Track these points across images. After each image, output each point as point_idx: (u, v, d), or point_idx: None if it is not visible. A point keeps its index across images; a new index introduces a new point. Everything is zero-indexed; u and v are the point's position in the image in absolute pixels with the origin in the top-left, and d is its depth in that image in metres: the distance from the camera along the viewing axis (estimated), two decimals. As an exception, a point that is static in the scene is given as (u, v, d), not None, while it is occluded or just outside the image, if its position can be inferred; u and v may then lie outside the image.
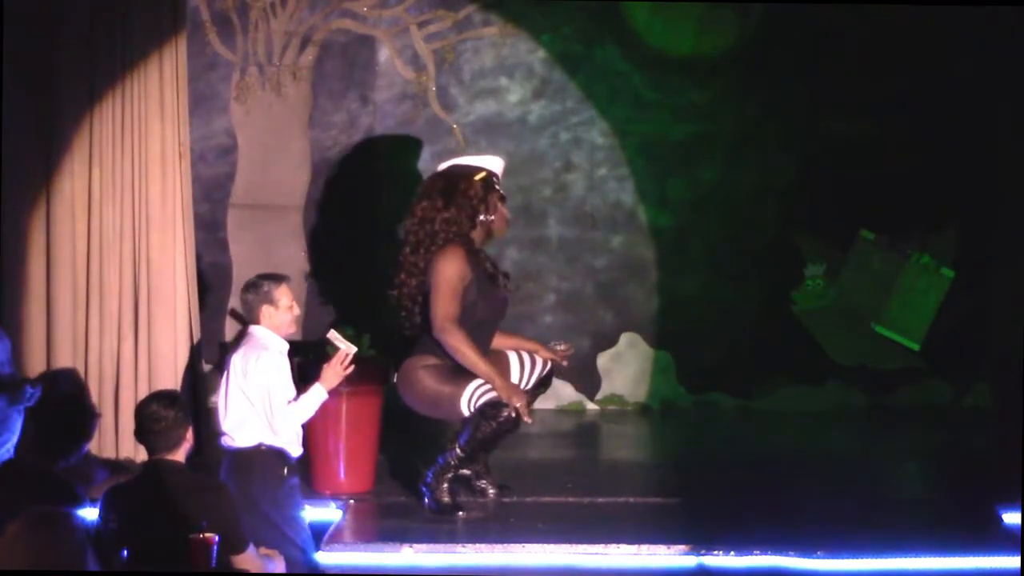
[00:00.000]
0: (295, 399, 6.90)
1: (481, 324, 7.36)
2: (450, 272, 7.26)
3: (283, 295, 6.93)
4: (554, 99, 10.56)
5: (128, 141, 8.26)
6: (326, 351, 7.20)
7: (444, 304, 7.24)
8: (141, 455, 7.32)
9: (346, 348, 6.99)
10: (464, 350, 7.21)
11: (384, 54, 10.48)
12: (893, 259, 10.51)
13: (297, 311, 7.00)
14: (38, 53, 8.14)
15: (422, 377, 7.32)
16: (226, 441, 6.84)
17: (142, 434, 5.94)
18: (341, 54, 10.44)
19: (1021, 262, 9.41)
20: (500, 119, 10.56)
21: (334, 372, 6.96)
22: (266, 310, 6.90)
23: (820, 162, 10.45)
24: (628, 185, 10.60)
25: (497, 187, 7.49)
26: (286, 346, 6.97)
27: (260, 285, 6.94)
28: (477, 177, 7.44)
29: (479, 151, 10.46)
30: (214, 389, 8.62)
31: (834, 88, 10.38)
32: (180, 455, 5.94)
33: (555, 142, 10.58)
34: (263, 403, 6.80)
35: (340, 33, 10.41)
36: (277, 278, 7.00)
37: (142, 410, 5.96)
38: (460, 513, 7.26)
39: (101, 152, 8.23)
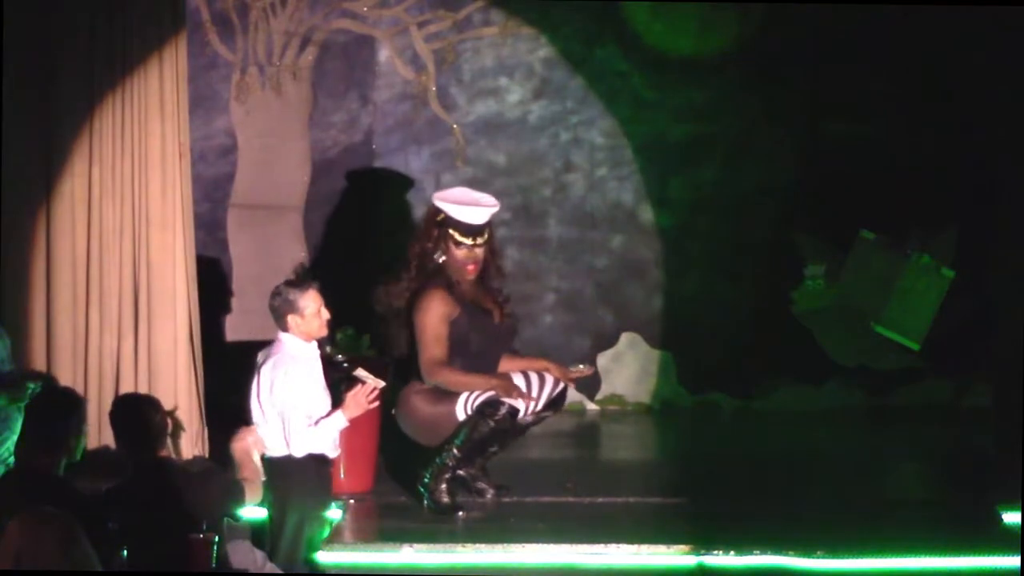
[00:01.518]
0: (316, 422, 6.76)
1: (479, 355, 7.33)
2: (430, 317, 7.24)
3: (308, 302, 6.73)
4: (554, 99, 10.55)
5: (128, 141, 8.26)
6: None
7: (428, 350, 7.23)
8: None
9: (374, 383, 6.82)
10: (456, 380, 7.22)
11: (384, 54, 10.47)
12: (893, 259, 10.50)
13: (327, 315, 6.79)
14: (38, 53, 8.14)
15: (417, 403, 7.31)
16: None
17: (135, 437, 5.94)
18: (341, 54, 10.43)
19: (1021, 262, 9.40)
20: (500, 119, 10.54)
21: (357, 403, 6.75)
22: (292, 319, 6.72)
23: (820, 162, 10.44)
24: (628, 185, 10.59)
25: (451, 231, 7.27)
26: (316, 351, 6.83)
27: (284, 293, 6.74)
28: (438, 218, 7.32)
29: (479, 151, 10.49)
30: (217, 389, 8.61)
31: (834, 88, 10.37)
32: (167, 452, 6.00)
33: (555, 142, 10.57)
34: (283, 419, 6.71)
35: (340, 33, 10.40)
36: (302, 285, 6.78)
37: (128, 414, 5.98)
38: (459, 513, 7.26)
39: (101, 152, 8.23)
